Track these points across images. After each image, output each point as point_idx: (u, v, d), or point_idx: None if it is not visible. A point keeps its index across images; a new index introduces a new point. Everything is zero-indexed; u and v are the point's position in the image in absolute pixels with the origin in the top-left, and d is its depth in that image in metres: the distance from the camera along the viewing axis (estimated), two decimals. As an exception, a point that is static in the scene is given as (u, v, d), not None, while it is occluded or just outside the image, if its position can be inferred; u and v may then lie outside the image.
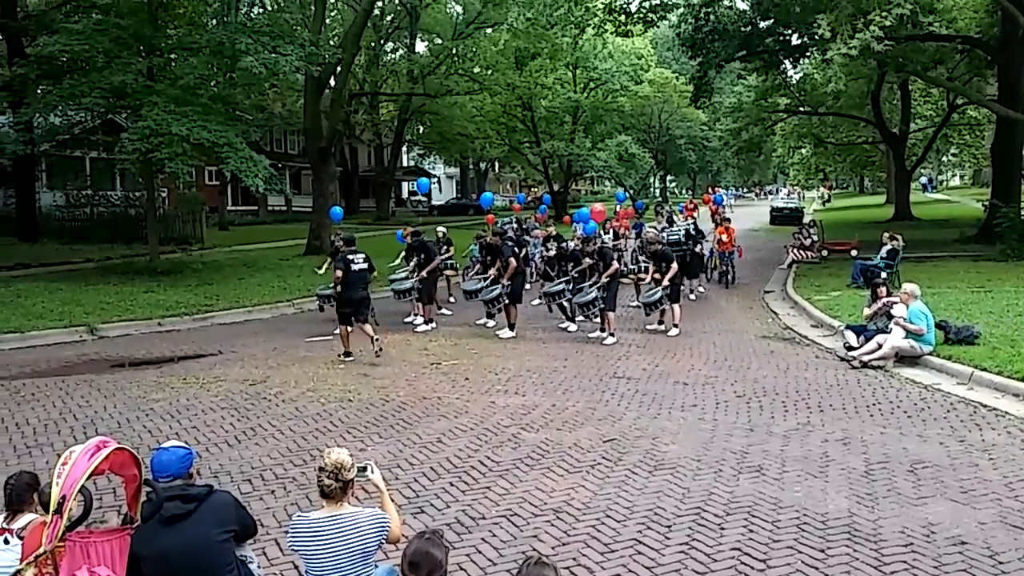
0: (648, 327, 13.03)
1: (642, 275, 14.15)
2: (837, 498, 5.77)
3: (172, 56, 20.11)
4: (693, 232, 16.97)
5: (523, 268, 14.51)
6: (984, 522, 5.32)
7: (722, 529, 5.29)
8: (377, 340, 10.77)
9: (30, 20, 22.05)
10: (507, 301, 12.77)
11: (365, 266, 10.83)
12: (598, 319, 12.51)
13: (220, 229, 32.17)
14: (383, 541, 3.66)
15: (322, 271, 13.86)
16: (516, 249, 14.39)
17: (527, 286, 17.69)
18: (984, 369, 9.07)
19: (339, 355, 10.84)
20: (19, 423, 7.88)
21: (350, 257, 10.70)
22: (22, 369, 10.49)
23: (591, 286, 12.32)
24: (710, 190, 33.46)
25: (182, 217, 27.02)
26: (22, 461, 6.70)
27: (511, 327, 12.62)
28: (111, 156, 22.91)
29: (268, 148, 40.72)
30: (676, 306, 12.79)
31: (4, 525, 3.98)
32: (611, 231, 19.11)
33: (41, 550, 3.47)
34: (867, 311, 11.01)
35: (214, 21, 23.58)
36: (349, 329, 10.71)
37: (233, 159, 17.65)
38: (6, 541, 3.88)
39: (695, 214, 23.16)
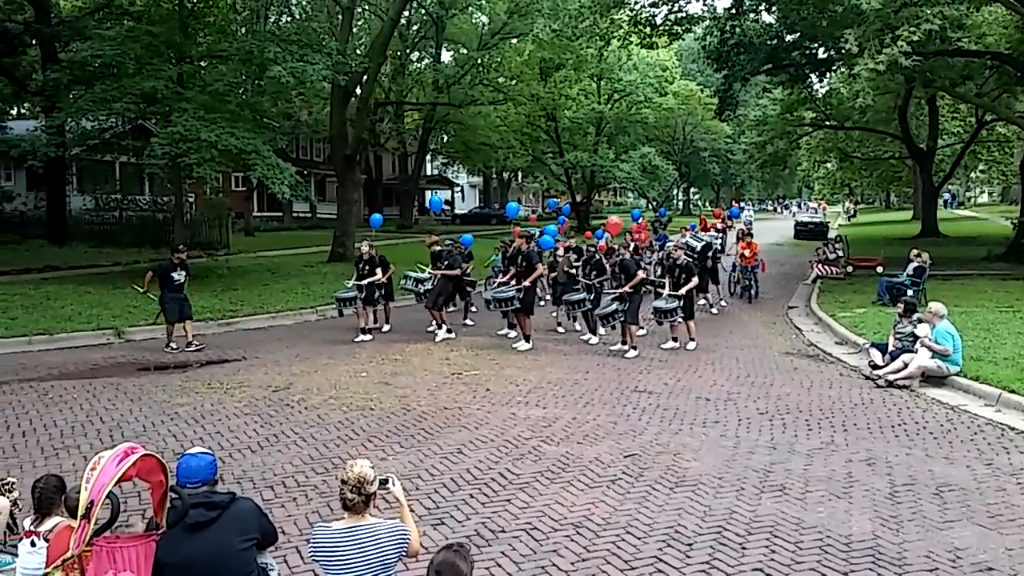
0: (663, 347, 12.62)
1: (659, 288, 14.01)
2: (861, 520, 5.70)
3: (202, 63, 20.40)
4: (717, 247, 16.92)
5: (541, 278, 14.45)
6: (1012, 548, 5.24)
7: (744, 548, 5.24)
8: (194, 339, 12.53)
9: (63, 26, 22.44)
10: (518, 306, 12.67)
11: (182, 280, 12.57)
12: (619, 331, 12.46)
13: (246, 235, 32.45)
14: (403, 554, 3.67)
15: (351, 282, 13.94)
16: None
17: (547, 296, 17.72)
18: (1012, 391, 8.93)
19: (172, 346, 12.28)
20: (47, 425, 7.99)
21: (172, 275, 12.47)
22: (50, 371, 10.64)
23: (613, 299, 12.26)
24: (733, 204, 33.32)
25: (208, 222, 27.27)
26: (49, 463, 6.80)
27: (527, 339, 12.58)
28: (140, 161, 23.27)
29: (294, 155, 41.10)
30: (691, 322, 12.69)
31: (32, 528, 4.04)
32: (631, 244, 19.08)
33: (68, 554, 3.52)
34: (892, 340, 10.63)
35: (243, 30, 23.90)
36: (177, 326, 12.48)
37: (260, 166, 17.84)
38: (33, 544, 3.93)
39: (717, 227, 23.10)
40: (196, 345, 12.36)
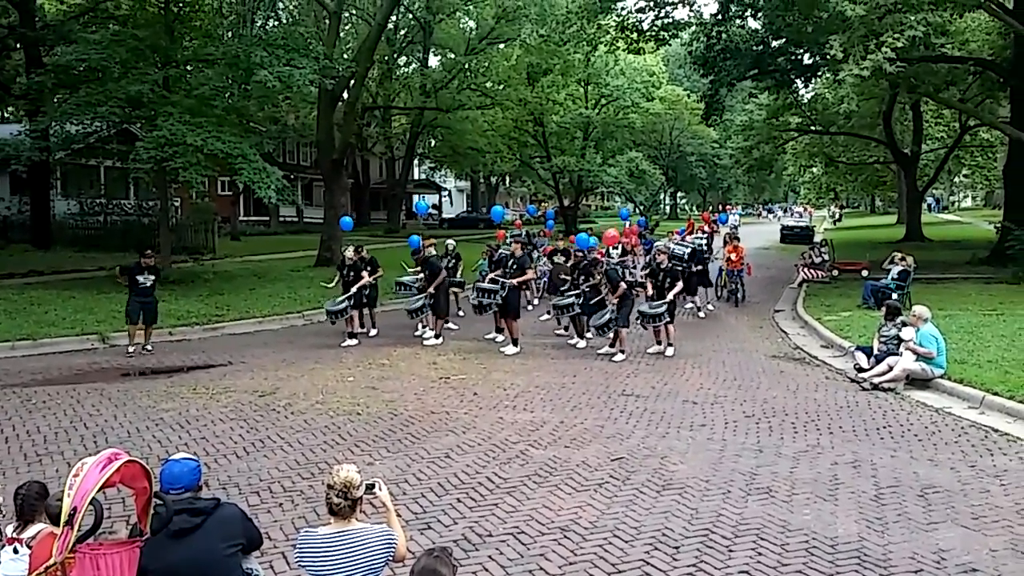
0: (649, 351, 12.65)
1: (639, 289, 14.01)
2: (847, 522, 5.73)
3: (188, 67, 20.29)
4: (704, 249, 16.96)
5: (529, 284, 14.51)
6: (995, 549, 5.28)
7: (730, 551, 5.26)
8: (149, 344, 12.63)
9: (48, 30, 22.28)
10: (500, 301, 12.64)
11: (148, 284, 12.44)
12: (611, 335, 12.46)
13: (232, 239, 32.28)
14: (390, 559, 3.65)
15: (331, 284, 13.95)
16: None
17: (535, 301, 17.77)
18: (996, 393, 9.00)
19: (130, 349, 12.26)
20: (30, 431, 7.92)
21: (138, 277, 12.33)
22: (34, 376, 10.55)
23: (605, 309, 12.22)
24: (721, 207, 33.51)
25: (194, 227, 27.12)
26: (32, 469, 6.73)
27: (514, 343, 12.58)
28: (125, 165, 23.09)
29: (281, 159, 40.92)
30: (671, 326, 12.66)
31: (14, 535, 3.99)
32: (619, 246, 19.13)
33: (51, 561, 3.48)
34: (876, 343, 10.69)
35: (230, 34, 23.85)
36: (138, 327, 12.43)
37: (246, 170, 17.77)
38: (16, 551, 3.89)
39: (704, 230, 23.22)
40: (148, 351, 12.33)
